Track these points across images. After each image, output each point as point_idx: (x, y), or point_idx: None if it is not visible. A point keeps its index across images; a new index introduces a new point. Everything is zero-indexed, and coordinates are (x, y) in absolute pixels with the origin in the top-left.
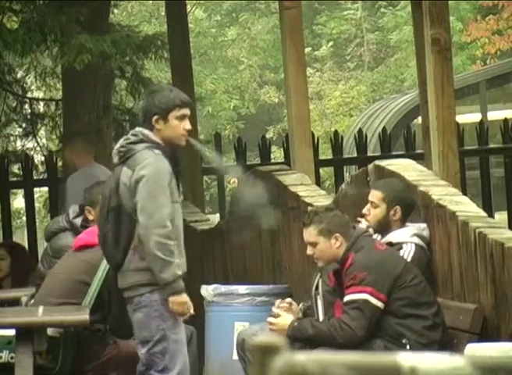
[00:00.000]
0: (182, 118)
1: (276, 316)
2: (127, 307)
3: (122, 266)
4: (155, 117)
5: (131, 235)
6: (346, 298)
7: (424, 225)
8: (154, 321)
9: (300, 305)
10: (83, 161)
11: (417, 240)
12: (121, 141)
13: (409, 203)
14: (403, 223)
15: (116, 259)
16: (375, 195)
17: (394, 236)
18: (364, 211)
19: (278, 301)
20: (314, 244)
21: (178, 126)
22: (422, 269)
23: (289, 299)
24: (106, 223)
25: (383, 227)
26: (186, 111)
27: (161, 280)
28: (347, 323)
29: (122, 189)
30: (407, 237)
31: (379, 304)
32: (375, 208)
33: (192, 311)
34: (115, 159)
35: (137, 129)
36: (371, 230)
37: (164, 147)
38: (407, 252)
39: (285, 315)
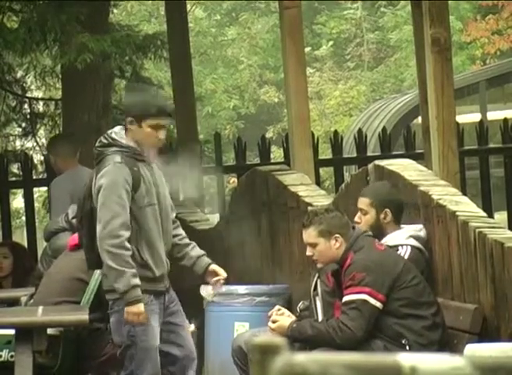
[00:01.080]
0: (156, 127)
1: (274, 321)
2: None
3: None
4: (129, 119)
5: None
6: (345, 299)
7: (420, 226)
8: (125, 327)
9: (300, 304)
10: (67, 164)
11: (413, 242)
12: (97, 142)
13: (398, 204)
14: (397, 224)
15: (93, 264)
16: (362, 202)
17: (390, 239)
18: (356, 219)
19: (271, 312)
20: (313, 245)
21: (151, 134)
22: (420, 270)
23: (277, 307)
24: (81, 228)
25: (377, 232)
26: (163, 121)
27: (116, 290)
28: (346, 323)
29: (93, 194)
30: (403, 239)
31: (378, 304)
32: (365, 214)
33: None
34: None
35: (110, 130)
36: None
37: (133, 149)
38: (403, 254)
39: (283, 317)
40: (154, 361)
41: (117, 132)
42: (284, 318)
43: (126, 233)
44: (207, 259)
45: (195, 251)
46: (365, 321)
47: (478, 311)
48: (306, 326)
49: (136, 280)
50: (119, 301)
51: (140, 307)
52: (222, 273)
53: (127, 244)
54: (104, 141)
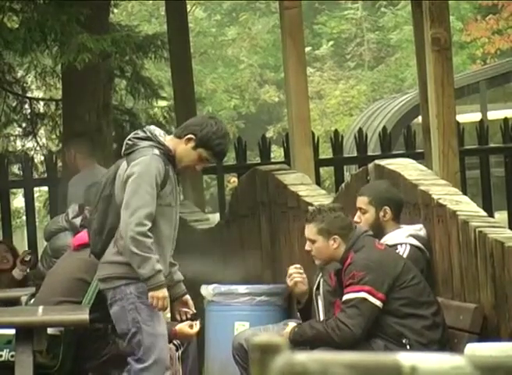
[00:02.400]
0: (203, 160)
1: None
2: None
3: (102, 257)
4: (191, 136)
5: (115, 227)
6: (345, 297)
7: (420, 225)
8: (130, 314)
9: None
10: (85, 163)
11: (412, 240)
12: (131, 134)
13: (397, 201)
14: (396, 222)
15: (96, 248)
16: (361, 201)
17: (389, 238)
18: (356, 219)
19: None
20: (312, 241)
21: (194, 160)
22: (419, 269)
23: (297, 265)
24: (95, 210)
25: (377, 230)
26: (212, 161)
27: (141, 276)
28: (344, 321)
29: (117, 181)
30: (403, 238)
31: (378, 303)
32: (364, 214)
33: (193, 309)
34: (123, 150)
35: (149, 126)
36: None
37: (169, 150)
38: (402, 253)
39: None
40: (161, 347)
41: (155, 129)
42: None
43: (150, 224)
44: (183, 287)
45: (177, 275)
46: (364, 319)
47: (478, 310)
48: (306, 328)
49: (159, 266)
50: (120, 289)
51: (165, 291)
52: (191, 307)
53: (150, 234)
54: (142, 133)
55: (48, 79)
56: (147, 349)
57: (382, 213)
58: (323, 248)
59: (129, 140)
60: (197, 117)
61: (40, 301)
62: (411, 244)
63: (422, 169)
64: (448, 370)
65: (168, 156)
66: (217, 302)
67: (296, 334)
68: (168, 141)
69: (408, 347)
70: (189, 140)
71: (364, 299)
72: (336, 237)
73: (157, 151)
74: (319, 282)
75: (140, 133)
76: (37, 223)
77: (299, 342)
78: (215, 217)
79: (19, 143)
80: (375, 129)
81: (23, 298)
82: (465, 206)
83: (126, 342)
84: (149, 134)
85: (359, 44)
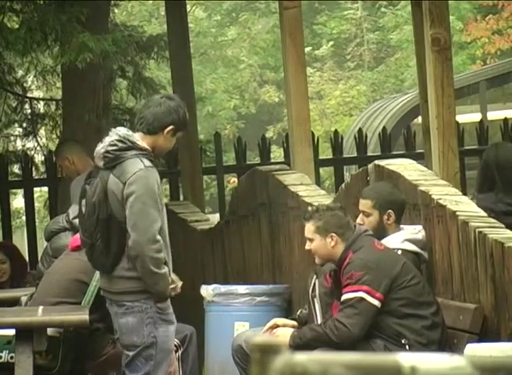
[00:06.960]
0: (177, 140)
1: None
2: (113, 309)
3: (114, 271)
4: (171, 127)
5: (122, 243)
6: (343, 297)
7: (419, 227)
8: (147, 327)
9: (299, 312)
10: (85, 164)
11: (407, 245)
12: (106, 146)
13: (400, 204)
14: (398, 224)
15: (106, 266)
16: (364, 204)
17: (385, 243)
18: (358, 221)
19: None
20: (311, 240)
21: (172, 144)
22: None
23: (275, 319)
24: (95, 233)
25: (380, 233)
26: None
27: (154, 290)
28: (342, 321)
29: (112, 198)
30: (398, 243)
31: (376, 302)
32: (367, 216)
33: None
34: (100, 163)
35: (121, 133)
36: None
37: (150, 152)
38: None
39: (285, 329)
40: (168, 362)
41: (130, 134)
42: (285, 329)
43: (160, 238)
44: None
45: None
46: (362, 318)
47: (478, 311)
48: (305, 331)
49: (166, 269)
50: (140, 303)
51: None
52: (178, 282)
53: (162, 246)
54: (122, 144)
55: (48, 78)
56: (158, 364)
57: (385, 217)
58: (321, 247)
59: (107, 152)
60: (158, 105)
61: (37, 301)
62: (404, 250)
63: (422, 169)
64: (448, 371)
65: (152, 157)
66: (217, 303)
67: (296, 338)
68: (143, 140)
69: (408, 347)
70: (169, 132)
71: (362, 299)
72: (333, 235)
73: (148, 162)
74: (314, 284)
75: (120, 144)
76: (37, 223)
77: (299, 346)
78: (215, 217)
79: (19, 143)
80: (374, 129)
81: (23, 299)
82: (465, 206)
83: (133, 354)
84: (129, 144)
85: (359, 45)
